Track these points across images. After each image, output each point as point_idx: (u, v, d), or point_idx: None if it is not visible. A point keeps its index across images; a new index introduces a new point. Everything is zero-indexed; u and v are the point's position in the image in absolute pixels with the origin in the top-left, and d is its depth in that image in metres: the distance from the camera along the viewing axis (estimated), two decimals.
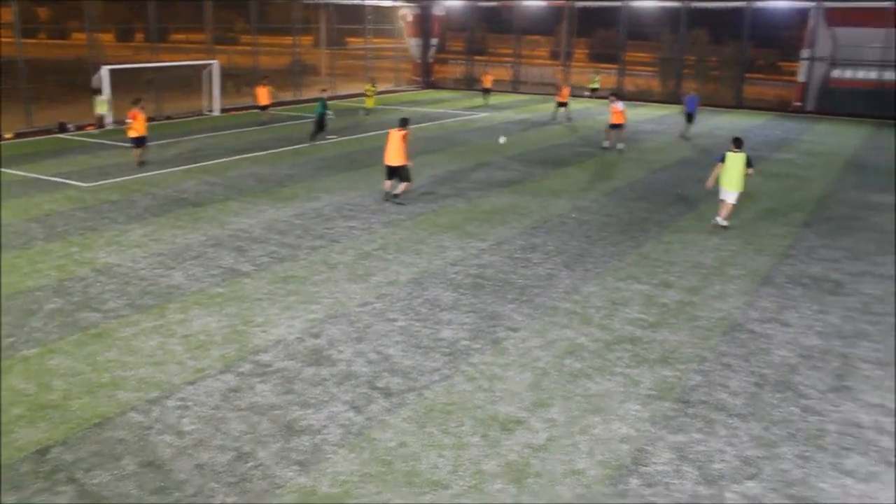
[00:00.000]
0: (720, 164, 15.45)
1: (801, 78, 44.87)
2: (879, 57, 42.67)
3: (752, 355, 9.75)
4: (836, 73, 44.54)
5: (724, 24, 47.08)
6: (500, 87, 45.82)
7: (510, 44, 50.48)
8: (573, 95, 37.53)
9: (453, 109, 37.17)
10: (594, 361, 9.39)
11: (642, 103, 44.07)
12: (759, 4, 44.44)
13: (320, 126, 25.81)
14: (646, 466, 7.19)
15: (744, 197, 18.37)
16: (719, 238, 15.15)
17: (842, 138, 32.06)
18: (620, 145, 25.79)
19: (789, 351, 9.93)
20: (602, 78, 46.33)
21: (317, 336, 10.00)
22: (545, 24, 51.02)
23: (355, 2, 44.87)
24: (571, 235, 15.01)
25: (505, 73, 49.02)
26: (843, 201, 19.23)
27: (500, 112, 36.46)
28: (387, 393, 8.46)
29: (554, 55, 51.86)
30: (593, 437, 7.65)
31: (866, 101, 41.94)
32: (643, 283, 12.30)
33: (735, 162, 15.24)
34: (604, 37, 50.67)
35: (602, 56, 50.39)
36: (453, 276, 12.43)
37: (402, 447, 7.39)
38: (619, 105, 25.58)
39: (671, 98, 46.09)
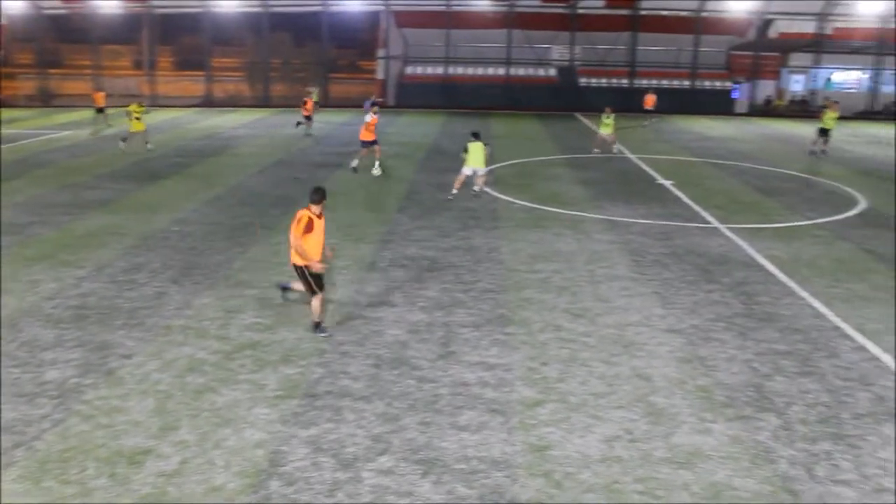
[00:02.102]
0: (465, 153, 19.42)
1: (379, 75, 48.17)
2: (443, 54, 47.36)
3: (367, 339, 10.32)
4: (409, 70, 48.56)
5: (304, 28, 48.82)
6: (82, 101, 42.52)
7: (88, 54, 47.10)
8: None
9: (31, 129, 33.69)
10: (217, 373, 9.22)
11: (233, 109, 43.98)
12: (335, 8, 46.68)
13: None
14: (284, 466, 7.26)
15: (340, 192, 19.39)
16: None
17: (421, 128, 35.12)
18: (376, 171, 22.68)
19: (399, 329, 10.68)
20: (191, 86, 45.23)
21: None
22: (125, 33, 48.48)
23: None
24: (176, 250, 14.50)
25: (85, 87, 45.64)
26: (430, 185, 21.15)
27: (85, 129, 33.77)
28: None
29: (137, 64, 49.53)
30: (227, 450, 7.53)
31: (436, 93, 46.38)
32: (255, 288, 12.34)
33: (476, 148, 19.28)
34: (189, 43, 49.61)
35: (188, 63, 49.31)
36: (51, 310, 11.31)
37: None
38: (369, 116, 23.03)
39: (261, 102, 46.64)
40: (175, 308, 11.42)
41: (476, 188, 20.06)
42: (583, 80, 48.83)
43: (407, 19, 47.85)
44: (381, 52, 47.98)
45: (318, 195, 10.66)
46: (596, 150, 28.49)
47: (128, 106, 27.88)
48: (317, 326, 10.55)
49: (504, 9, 47.09)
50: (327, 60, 47.83)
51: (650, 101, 40.18)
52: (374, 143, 22.77)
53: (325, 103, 44.32)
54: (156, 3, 46.86)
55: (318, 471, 7.19)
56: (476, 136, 19.76)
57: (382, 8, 46.97)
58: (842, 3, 47.29)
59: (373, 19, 48.53)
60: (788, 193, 21.26)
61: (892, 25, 46.50)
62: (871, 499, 6.92)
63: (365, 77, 49.97)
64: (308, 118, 31.99)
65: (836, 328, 11.04)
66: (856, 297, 12.38)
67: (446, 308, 11.52)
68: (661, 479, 7.14)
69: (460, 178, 19.75)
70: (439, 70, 47.76)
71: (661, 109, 40.16)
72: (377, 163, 22.79)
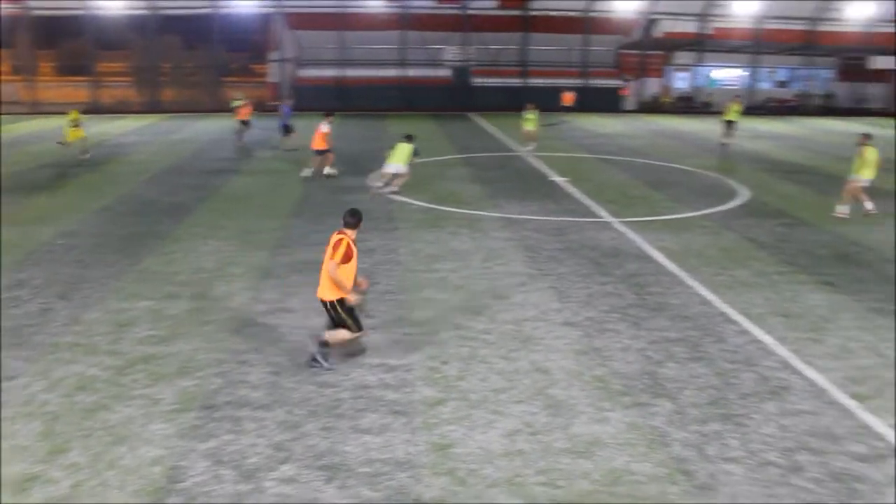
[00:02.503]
0: (390, 150, 20.54)
1: (273, 78, 47.48)
2: (337, 56, 47.07)
3: (265, 346, 10.14)
4: (302, 73, 48.02)
5: (194, 30, 47.75)
6: None
7: None
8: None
9: None
10: (109, 390, 8.89)
11: (121, 115, 42.52)
12: (225, 10, 45.73)
13: None
14: (183, 482, 7.06)
15: (236, 198, 19.07)
16: (218, 241, 15.38)
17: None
18: (331, 170, 23.00)
19: (298, 335, 10.53)
20: (75, 92, 43.49)
21: None
22: (1, 36, 46.20)
23: None
24: (62, 263, 13.89)
25: None
26: (324, 188, 21.01)
27: None
28: None
29: (15, 70, 47.30)
30: (123, 469, 7.28)
31: (331, 95, 46.03)
32: (149, 299, 11.95)
33: (401, 148, 20.25)
34: (72, 47, 47.75)
35: (72, 68, 47.46)
36: None
37: None
38: (325, 126, 22.83)
39: (150, 107, 45.29)
40: (62, 324, 10.95)
41: (390, 188, 20.52)
42: (477, 80, 49.39)
43: (299, 21, 47.28)
44: (273, 55, 47.28)
45: (356, 218, 9.34)
46: (529, 147, 29.58)
47: (67, 115, 27.32)
48: (323, 345, 9.36)
49: (397, 10, 47.16)
50: (219, 64, 46.81)
51: (568, 98, 40.88)
52: (326, 151, 22.81)
53: (217, 108, 43.37)
54: (33, 4, 44.78)
55: (220, 484, 7.04)
56: (408, 138, 20.62)
57: (274, 10, 46.30)
58: (720, 4, 49.44)
59: (264, 21, 47.79)
60: (676, 187, 22.07)
61: (767, 26, 48.92)
62: (758, 473, 7.26)
63: (257, 80, 49.17)
64: (245, 122, 30.92)
65: (722, 314, 11.53)
66: (739, 284, 12.96)
67: None
68: (561, 469, 7.30)
69: (383, 175, 20.72)
70: (333, 72, 47.41)
71: (554, 108, 41.00)
72: (321, 167, 23.09)
